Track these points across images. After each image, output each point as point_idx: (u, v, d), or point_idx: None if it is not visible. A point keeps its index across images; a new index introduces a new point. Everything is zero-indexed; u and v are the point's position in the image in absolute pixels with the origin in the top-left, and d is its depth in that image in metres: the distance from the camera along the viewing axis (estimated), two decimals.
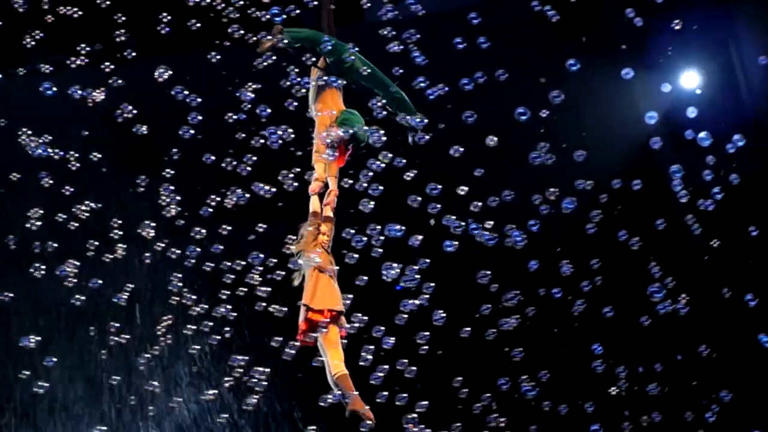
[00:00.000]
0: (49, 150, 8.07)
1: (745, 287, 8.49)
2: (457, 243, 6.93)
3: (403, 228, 6.81)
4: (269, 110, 7.37)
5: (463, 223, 6.98)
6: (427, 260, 7.00)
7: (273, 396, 10.12)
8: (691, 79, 10.91)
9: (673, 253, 9.47)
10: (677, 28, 9.07)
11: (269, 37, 7.18)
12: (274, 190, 7.33)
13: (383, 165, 7.04)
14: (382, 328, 7.07)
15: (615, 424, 9.45)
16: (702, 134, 7.52)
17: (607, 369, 8.37)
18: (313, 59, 7.34)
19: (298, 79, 7.48)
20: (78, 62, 8.05)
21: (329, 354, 6.51)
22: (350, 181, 7.21)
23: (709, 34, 10.75)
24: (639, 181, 8.16)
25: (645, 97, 10.36)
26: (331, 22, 7.57)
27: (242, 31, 7.57)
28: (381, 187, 7.06)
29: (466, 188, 7.41)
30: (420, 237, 7.02)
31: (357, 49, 7.33)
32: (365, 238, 6.92)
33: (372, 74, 7.27)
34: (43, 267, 8.03)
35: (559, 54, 7.63)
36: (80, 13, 8.28)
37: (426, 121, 7.23)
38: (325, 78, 7.22)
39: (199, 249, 8.07)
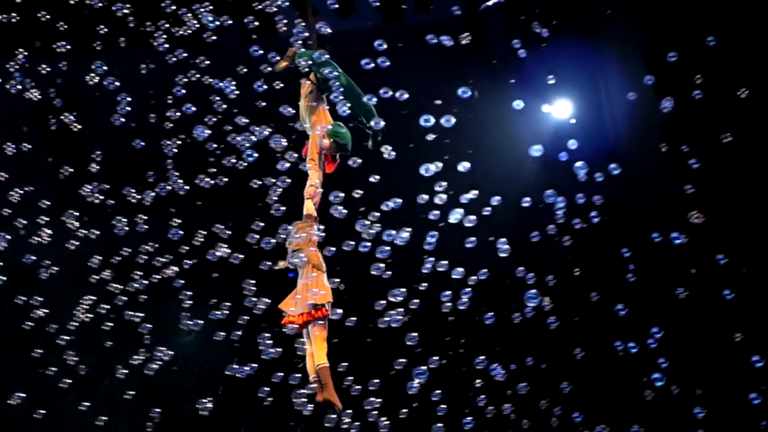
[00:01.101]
0: None
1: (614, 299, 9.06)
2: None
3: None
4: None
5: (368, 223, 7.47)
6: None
7: None
8: (565, 109, 11.69)
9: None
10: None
11: (284, 55, 7.87)
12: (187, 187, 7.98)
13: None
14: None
15: None
16: (579, 163, 8.08)
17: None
18: (306, 70, 7.90)
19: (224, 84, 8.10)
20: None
21: (316, 346, 7.16)
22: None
23: (582, 69, 11.59)
24: (529, 198, 8.72)
25: (527, 122, 11.08)
26: (314, 33, 8.17)
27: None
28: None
29: (360, 191, 7.93)
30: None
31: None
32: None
33: (352, 88, 7.79)
34: None
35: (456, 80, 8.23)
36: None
37: (382, 123, 7.79)
38: (328, 95, 7.78)
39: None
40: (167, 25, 8.37)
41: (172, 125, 8.52)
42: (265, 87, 7.95)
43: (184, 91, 8.46)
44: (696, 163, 9.53)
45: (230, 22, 8.41)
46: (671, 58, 9.14)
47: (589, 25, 11.49)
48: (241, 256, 7.88)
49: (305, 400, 7.32)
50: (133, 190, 8.36)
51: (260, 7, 8.02)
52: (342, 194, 7.48)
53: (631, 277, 9.63)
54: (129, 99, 8.46)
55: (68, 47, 8.80)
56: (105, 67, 8.47)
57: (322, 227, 7.51)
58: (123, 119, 8.42)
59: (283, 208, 7.68)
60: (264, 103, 8.15)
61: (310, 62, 7.74)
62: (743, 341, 9.91)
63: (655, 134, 11.26)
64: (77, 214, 8.99)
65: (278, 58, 7.87)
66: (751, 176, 11.09)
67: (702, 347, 11.03)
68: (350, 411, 7.46)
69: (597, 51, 11.59)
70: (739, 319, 10.30)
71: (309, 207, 7.45)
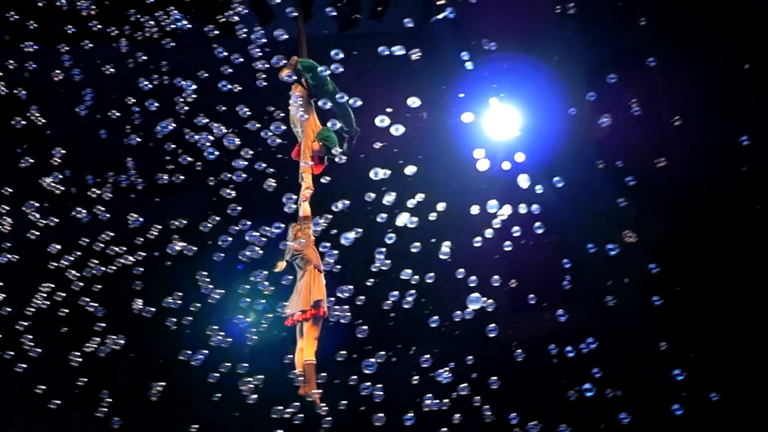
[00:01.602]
0: None
1: None
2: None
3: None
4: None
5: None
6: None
7: None
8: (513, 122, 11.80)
9: None
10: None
11: (287, 63, 8.12)
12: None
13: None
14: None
15: None
16: (523, 176, 8.46)
17: None
18: (294, 78, 8.21)
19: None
20: None
21: (308, 342, 7.53)
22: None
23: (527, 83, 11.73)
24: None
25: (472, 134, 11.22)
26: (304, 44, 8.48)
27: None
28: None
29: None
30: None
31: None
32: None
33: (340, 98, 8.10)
34: None
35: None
36: None
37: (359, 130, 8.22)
38: (321, 101, 8.07)
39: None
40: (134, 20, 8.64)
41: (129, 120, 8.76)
42: (228, 87, 8.33)
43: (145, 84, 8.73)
44: (632, 180, 9.96)
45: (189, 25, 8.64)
46: (611, 79, 9.55)
47: (535, 42, 11.84)
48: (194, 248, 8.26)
49: (252, 387, 7.73)
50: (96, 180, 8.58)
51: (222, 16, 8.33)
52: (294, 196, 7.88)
53: (566, 285, 10.05)
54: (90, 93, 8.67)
55: (30, 42, 8.94)
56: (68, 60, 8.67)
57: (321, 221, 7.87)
58: (85, 111, 8.65)
59: (239, 208, 8.06)
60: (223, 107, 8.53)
61: (310, 74, 8.10)
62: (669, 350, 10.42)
63: (592, 149, 11.72)
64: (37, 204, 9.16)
65: (283, 62, 8.12)
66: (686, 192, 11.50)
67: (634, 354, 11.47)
68: (326, 408, 7.86)
69: (540, 66, 11.82)
70: (668, 327, 10.81)
71: (306, 209, 7.78)
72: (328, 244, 7.91)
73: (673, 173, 11.24)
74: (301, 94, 8.09)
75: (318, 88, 8.10)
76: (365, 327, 8.00)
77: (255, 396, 7.88)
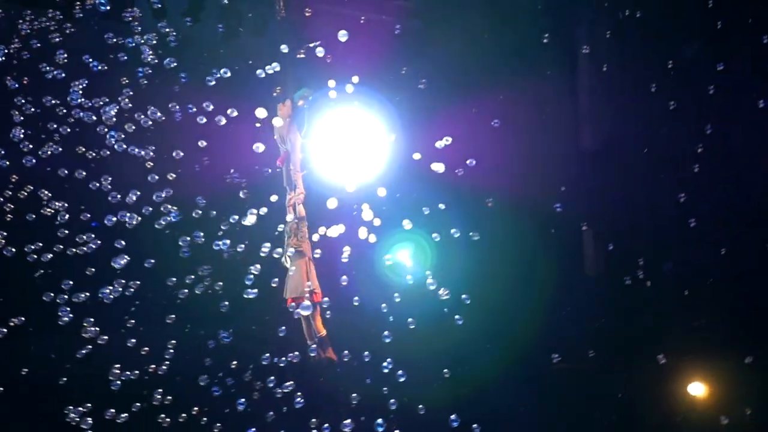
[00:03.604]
0: None
1: None
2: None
3: None
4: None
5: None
6: None
7: None
8: None
9: None
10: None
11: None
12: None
13: None
14: None
15: None
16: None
17: None
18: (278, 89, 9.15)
19: None
20: None
21: (316, 321, 8.73)
22: None
23: None
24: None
25: None
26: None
27: None
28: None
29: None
30: None
31: None
32: None
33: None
34: None
35: None
36: None
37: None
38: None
39: None
40: None
41: None
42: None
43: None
44: None
45: None
46: None
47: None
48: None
49: (117, 373, 8.21)
50: None
51: None
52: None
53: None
54: None
55: None
56: None
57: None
58: None
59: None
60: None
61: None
62: None
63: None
64: None
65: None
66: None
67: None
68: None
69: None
70: None
71: (301, 210, 8.77)
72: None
73: None
74: (288, 113, 9.10)
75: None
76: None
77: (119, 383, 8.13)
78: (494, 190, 10.93)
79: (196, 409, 9.36)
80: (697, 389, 10.96)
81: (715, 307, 10.83)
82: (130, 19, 8.89)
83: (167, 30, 8.83)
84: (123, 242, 8.25)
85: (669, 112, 10.86)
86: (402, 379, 9.17)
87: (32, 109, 8.69)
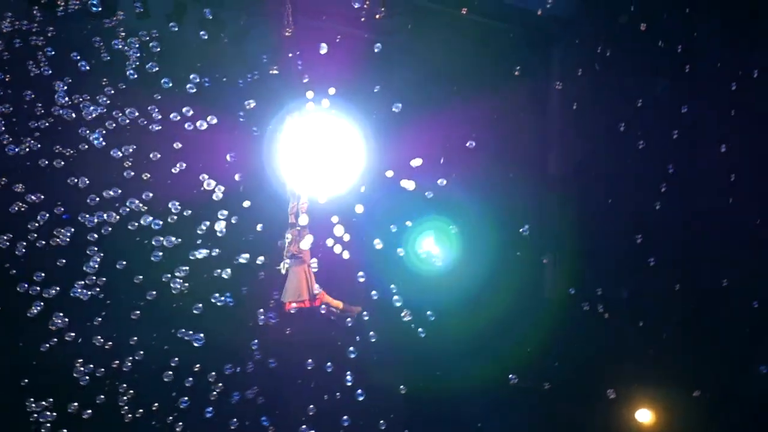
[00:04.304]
0: None
1: None
2: None
3: None
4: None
5: None
6: None
7: None
8: None
9: None
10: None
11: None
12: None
13: None
14: None
15: None
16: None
17: None
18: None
19: None
20: None
21: (333, 303, 9.07)
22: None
23: None
24: None
25: None
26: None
27: None
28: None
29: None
30: None
31: None
32: None
33: None
34: None
35: None
36: None
37: None
38: None
39: None
40: None
41: None
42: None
43: None
44: None
45: None
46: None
47: None
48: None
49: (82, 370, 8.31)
50: None
51: None
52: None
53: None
54: None
55: None
56: None
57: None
58: None
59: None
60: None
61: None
62: None
63: None
64: None
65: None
66: None
67: None
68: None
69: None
70: None
71: (303, 219, 9.06)
72: None
73: None
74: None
75: None
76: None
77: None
78: (461, 209, 11.16)
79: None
80: (644, 416, 11.16)
81: (669, 336, 11.06)
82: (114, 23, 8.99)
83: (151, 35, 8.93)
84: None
85: (636, 145, 11.05)
86: (361, 398, 9.45)
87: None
